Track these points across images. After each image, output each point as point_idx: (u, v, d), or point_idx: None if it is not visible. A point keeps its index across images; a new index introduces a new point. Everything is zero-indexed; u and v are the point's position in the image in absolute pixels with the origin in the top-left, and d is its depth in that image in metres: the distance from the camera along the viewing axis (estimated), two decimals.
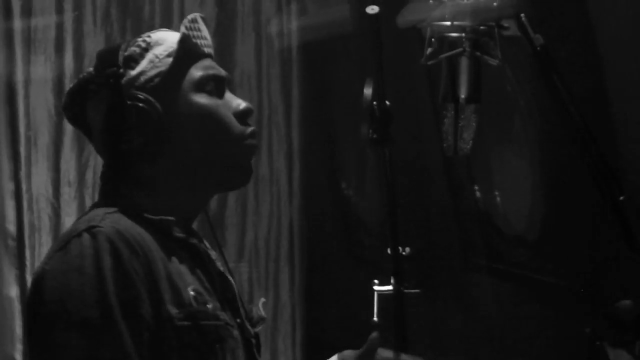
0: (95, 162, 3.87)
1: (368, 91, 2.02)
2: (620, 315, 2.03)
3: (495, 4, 2.18)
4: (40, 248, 3.79)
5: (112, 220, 1.82)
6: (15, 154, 3.76)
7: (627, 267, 2.48)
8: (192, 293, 1.86)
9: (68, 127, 3.82)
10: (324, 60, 4.25)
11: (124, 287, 1.76)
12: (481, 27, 2.20)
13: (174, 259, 1.88)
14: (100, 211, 1.86)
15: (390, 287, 2.06)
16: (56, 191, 3.85)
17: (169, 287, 1.83)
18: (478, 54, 2.20)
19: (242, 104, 1.98)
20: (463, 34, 2.20)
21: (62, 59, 3.84)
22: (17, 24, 3.74)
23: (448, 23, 2.21)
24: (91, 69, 1.97)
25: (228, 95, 2.00)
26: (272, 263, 4.35)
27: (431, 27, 2.23)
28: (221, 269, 2.04)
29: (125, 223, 1.83)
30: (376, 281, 2.09)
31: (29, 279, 3.73)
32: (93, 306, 1.74)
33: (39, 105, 3.80)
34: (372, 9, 2.03)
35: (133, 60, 1.94)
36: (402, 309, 2.05)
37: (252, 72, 4.25)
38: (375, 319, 2.07)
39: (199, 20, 1.99)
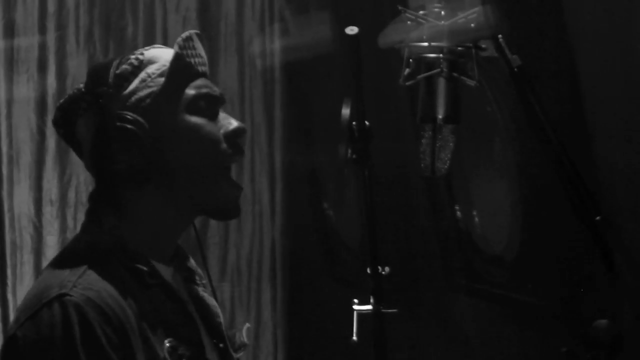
0: (78, 182, 3.87)
1: (346, 111, 2.03)
2: (597, 335, 2.04)
3: (472, 25, 2.19)
4: (22, 267, 3.78)
5: (83, 285, 1.78)
6: None
7: (604, 287, 2.50)
8: (167, 345, 1.84)
9: (50, 147, 3.82)
10: (306, 80, 4.26)
11: (95, 359, 1.73)
12: (459, 48, 2.21)
13: (149, 308, 1.85)
14: (73, 274, 1.80)
15: (369, 307, 2.06)
16: (38, 210, 3.84)
17: (144, 349, 1.80)
18: (455, 74, 2.21)
19: (232, 124, 1.94)
20: (441, 55, 2.21)
21: (45, 78, 3.83)
22: (0, 43, 3.75)
23: (426, 44, 2.22)
24: (82, 85, 1.93)
25: (221, 115, 1.95)
26: (254, 282, 4.34)
27: (409, 48, 2.25)
28: (203, 294, 2.04)
29: (97, 285, 1.79)
30: (356, 300, 2.08)
31: (10, 299, 3.72)
32: None
33: (22, 125, 3.80)
34: (352, 30, 2.04)
35: (124, 79, 1.89)
36: (382, 328, 2.05)
37: (234, 92, 4.25)
38: (354, 338, 2.07)
39: (194, 38, 1.93)
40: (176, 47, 1.90)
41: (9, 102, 3.78)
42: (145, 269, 1.89)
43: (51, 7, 3.86)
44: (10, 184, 3.78)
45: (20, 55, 3.81)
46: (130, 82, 1.89)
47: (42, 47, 3.85)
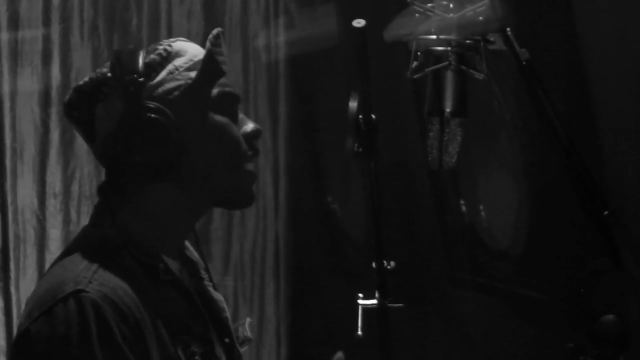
0: (81, 175, 3.86)
1: (353, 104, 2.02)
2: (603, 330, 2.03)
3: (481, 18, 2.19)
4: (25, 260, 3.77)
5: (99, 281, 1.77)
6: (0, 166, 3.75)
7: (611, 282, 2.49)
8: (180, 342, 1.84)
9: (54, 140, 3.81)
10: (311, 74, 4.26)
11: (111, 356, 1.72)
12: (467, 41, 2.21)
13: (162, 305, 1.84)
14: (88, 270, 1.79)
15: (374, 301, 2.05)
16: (41, 203, 3.83)
17: (158, 345, 1.79)
18: (463, 67, 2.21)
19: (250, 126, 1.95)
20: (449, 48, 2.21)
21: (49, 71, 3.82)
22: (4, 36, 3.73)
23: (434, 37, 2.22)
24: (106, 70, 1.90)
25: (239, 115, 1.96)
26: (258, 277, 4.34)
27: (417, 41, 2.24)
28: (209, 289, 2.03)
29: (112, 281, 1.78)
30: (361, 295, 2.08)
31: (13, 292, 3.71)
32: None
33: (25, 118, 3.78)
34: (359, 23, 2.02)
35: (152, 69, 1.87)
36: (387, 323, 2.04)
37: (239, 86, 4.23)
38: (359, 332, 2.07)
39: (221, 36, 1.91)
40: (208, 44, 1.88)
41: (13, 95, 3.76)
42: (160, 265, 1.88)
43: None
44: (13, 176, 3.77)
45: (24, 47, 3.80)
46: (157, 72, 1.87)
47: (46, 40, 3.84)
